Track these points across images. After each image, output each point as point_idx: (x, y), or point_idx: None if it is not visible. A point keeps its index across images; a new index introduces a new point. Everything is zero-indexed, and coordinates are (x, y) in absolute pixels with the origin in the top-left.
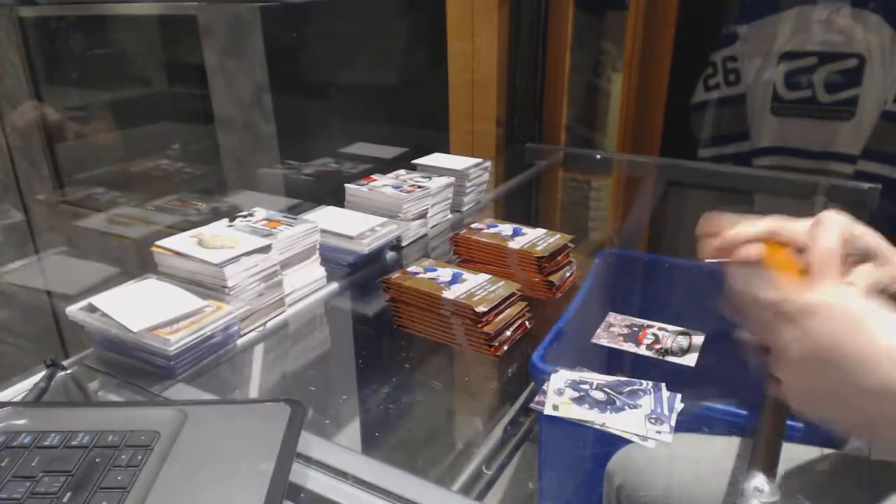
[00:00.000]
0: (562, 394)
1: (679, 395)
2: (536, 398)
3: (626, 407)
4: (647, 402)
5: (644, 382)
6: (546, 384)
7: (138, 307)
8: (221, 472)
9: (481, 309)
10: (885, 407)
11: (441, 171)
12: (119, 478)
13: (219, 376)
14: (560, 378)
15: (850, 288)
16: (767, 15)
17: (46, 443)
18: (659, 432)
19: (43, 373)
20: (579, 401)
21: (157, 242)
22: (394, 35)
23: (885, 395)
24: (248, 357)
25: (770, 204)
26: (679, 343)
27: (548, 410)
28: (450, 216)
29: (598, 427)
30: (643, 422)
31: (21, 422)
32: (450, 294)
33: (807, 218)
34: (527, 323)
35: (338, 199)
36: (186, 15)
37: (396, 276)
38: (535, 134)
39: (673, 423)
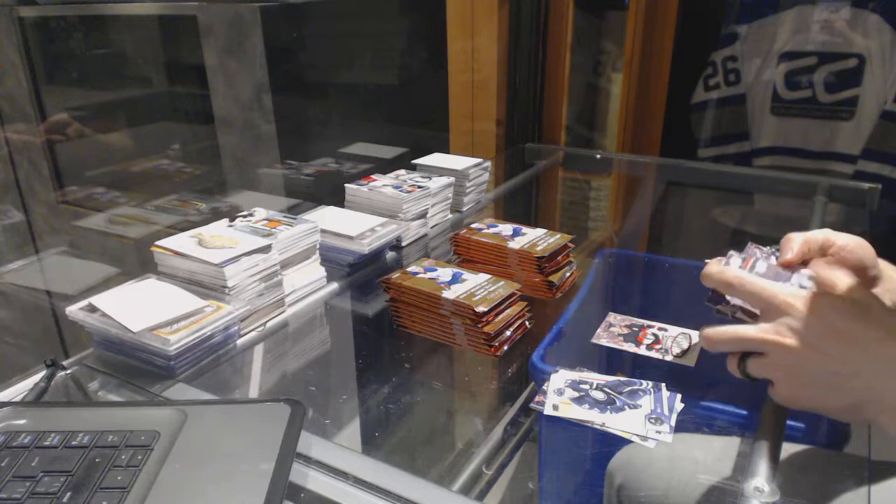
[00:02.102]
0: (562, 394)
1: (679, 395)
2: (536, 398)
3: (626, 407)
4: (647, 402)
5: (644, 382)
6: (546, 384)
7: (138, 307)
8: (221, 472)
9: (481, 309)
10: (879, 381)
11: (441, 171)
12: (119, 478)
13: (219, 376)
14: (560, 378)
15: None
16: (767, 15)
17: (46, 443)
18: (659, 432)
19: (43, 373)
20: (579, 401)
21: (158, 242)
22: (394, 35)
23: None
24: (248, 357)
25: (770, 204)
26: (679, 343)
27: (548, 410)
28: (450, 216)
29: (598, 427)
30: (643, 422)
31: (21, 422)
32: (450, 294)
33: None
34: (527, 323)
35: (338, 199)
36: (186, 15)
37: (396, 276)
38: (535, 134)
39: (673, 423)
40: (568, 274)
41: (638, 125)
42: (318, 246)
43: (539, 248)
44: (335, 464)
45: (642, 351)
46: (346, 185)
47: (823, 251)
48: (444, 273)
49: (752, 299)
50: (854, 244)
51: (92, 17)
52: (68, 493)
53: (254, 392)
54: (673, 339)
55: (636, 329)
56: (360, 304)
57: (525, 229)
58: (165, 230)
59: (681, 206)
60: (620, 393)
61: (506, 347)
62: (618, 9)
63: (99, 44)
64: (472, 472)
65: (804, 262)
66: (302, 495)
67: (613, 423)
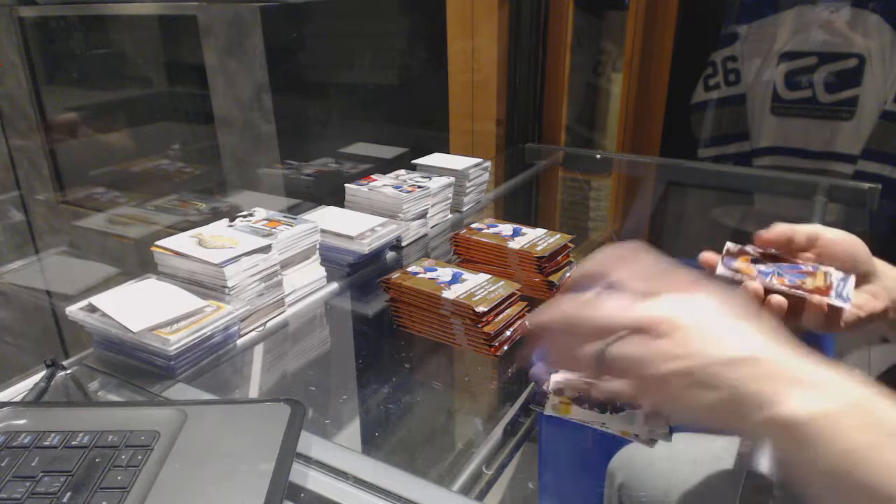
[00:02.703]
0: (562, 393)
1: None
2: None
3: (626, 407)
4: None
5: None
6: (546, 384)
7: (138, 307)
8: (221, 472)
9: (481, 309)
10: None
11: (441, 171)
12: (119, 478)
13: (219, 376)
14: (560, 378)
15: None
16: (767, 15)
17: (46, 443)
18: (658, 432)
19: (43, 373)
20: (579, 401)
21: (158, 242)
22: (394, 35)
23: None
24: (248, 357)
25: (770, 204)
26: None
27: (548, 410)
28: (450, 216)
29: (598, 428)
30: (643, 422)
31: (21, 422)
32: (450, 294)
33: None
34: (527, 323)
35: (338, 199)
36: (187, 15)
37: (396, 275)
38: (535, 134)
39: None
40: (568, 274)
41: (638, 125)
42: (318, 246)
43: (539, 249)
44: (335, 464)
45: None
46: (346, 185)
47: (811, 244)
48: (444, 273)
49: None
50: (843, 239)
51: (92, 17)
52: (68, 493)
53: (254, 392)
54: None
55: None
56: (360, 304)
57: (525, 229)
58: (165, 230)
59: (681, 207)
60: None
61: (506, 347)
62: (618, 9)
63: (99, 44)
64: (472, 472)
65: (775, 258)
66: (302, 495)
67: (613, 423)
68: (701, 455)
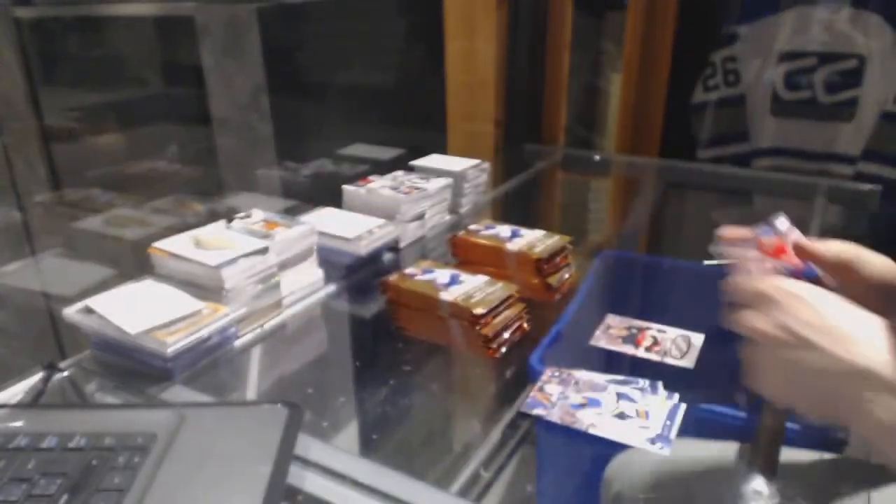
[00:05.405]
0: (556, 395)
1: (683, 404)
2: (529, 399)
3: (624, 413)
4: (646, 404)
5: (641, 381)
6: (540, 385)
7: (136, 309)
8: (219, 475)
9: (479, 311)
10: (850, 387)
11: (439, 173)
12: (116, 480)
13: (216, 378)
14: (554, 378)
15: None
16: (767, 15)
17: (43, 445)
18: (661, 448)
19: (40, 375)
20: (575, 404)
21: (155, 244)
22: (392, 35)
23: (855, 374)
24: (246, 359)
25: (770, 205)
26: (678, 345)
27: (541, 412)
28: (448, 217)
29: (592, 432)
30: (639, 431)
31: (18, 424)
32: (447, 296)
33: None
34: (525, 325)
35: (335, 201)
36: (184, 16)
37: (394, 277)
38: (534, 135)
39: (674, 434)
40: (566, 276)
41: (637, 126)
42: (315, 248)
43: (537, 250)
44: (333, 466)
45: (641, 353)
46: (344, 186)
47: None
48: (442, 275)
49: None
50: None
51: (88, 18)
52: (65, 496)
53: (251, 394)
54: (672, 341)
55: (635, 331)
56: (358, 305)
57: (523, 231)
58: (163, 231)
59: (680, 208)
60: (619, 394)
61: (504, 349)
62: (617, 9)
63: (96, 44)
64: (470, 474)
65: None
66: (300, 498)
67: (611, 427)
68: (700, 458)
